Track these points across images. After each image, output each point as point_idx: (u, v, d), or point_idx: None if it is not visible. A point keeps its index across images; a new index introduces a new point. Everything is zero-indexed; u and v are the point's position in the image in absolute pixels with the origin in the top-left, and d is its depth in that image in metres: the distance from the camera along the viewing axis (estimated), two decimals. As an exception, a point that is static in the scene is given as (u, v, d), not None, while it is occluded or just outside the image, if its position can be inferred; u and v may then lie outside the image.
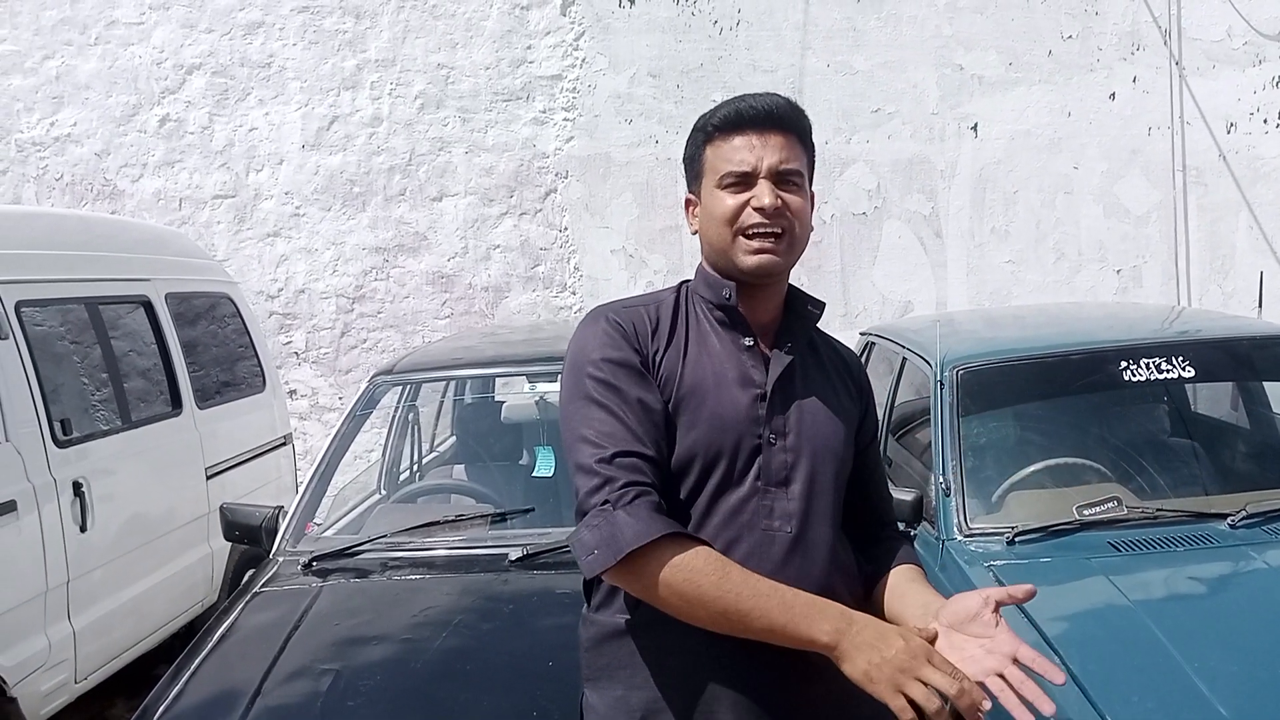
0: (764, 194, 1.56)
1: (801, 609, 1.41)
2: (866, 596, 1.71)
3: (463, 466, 4.42)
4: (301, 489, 3.42)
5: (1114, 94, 7.34)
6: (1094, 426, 3.63)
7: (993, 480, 3.38)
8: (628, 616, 1.58)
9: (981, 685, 1.39)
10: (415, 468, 4.56)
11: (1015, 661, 1.42)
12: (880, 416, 4.40)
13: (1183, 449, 3.65)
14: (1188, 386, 3.81)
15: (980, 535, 3.14)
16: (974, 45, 7.33)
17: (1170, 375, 3.48)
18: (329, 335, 7.33)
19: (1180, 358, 3.51)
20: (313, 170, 7.28)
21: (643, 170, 7.33)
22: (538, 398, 4.30)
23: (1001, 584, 2.82)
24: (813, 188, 1.67)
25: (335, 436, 3.57)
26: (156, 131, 7.20)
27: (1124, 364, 3.50)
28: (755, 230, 1.56)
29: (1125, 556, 2.90)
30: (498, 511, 3.27)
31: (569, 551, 1.59)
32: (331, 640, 2.61)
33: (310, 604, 2.79)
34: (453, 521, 3.17)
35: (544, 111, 7.29)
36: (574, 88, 7.33)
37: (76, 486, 3.74)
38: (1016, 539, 3.04)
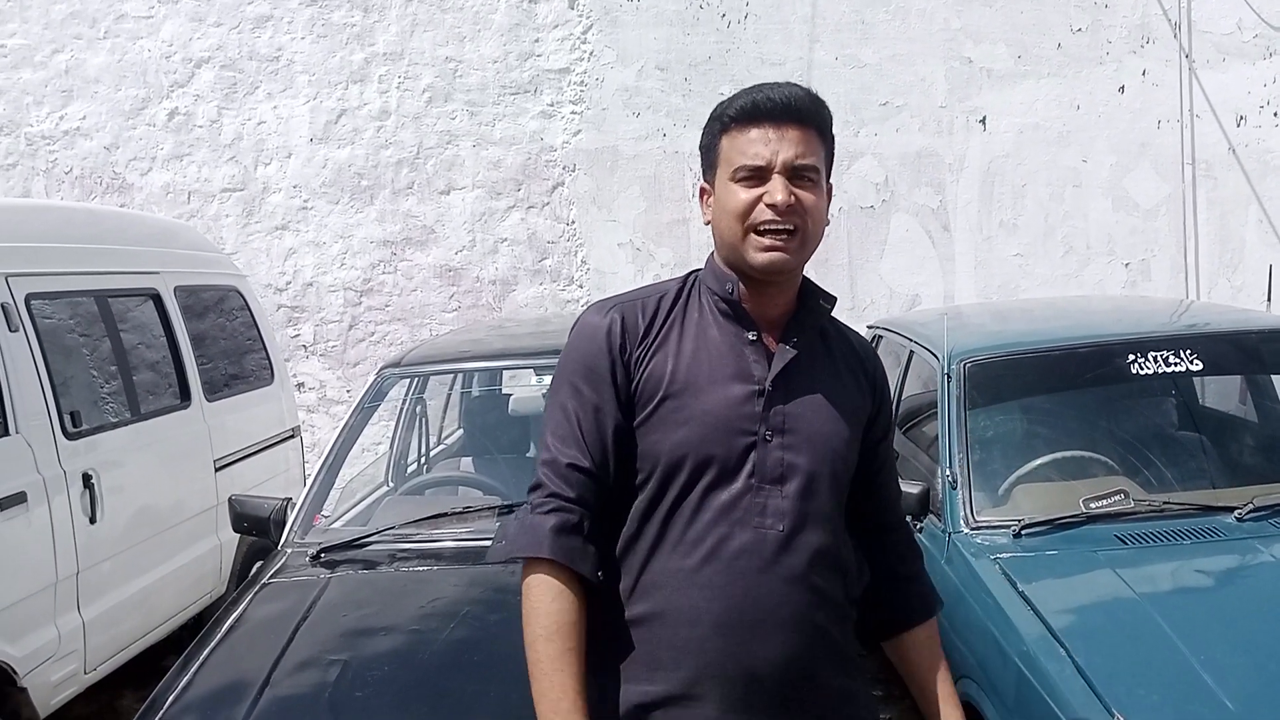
0: (777, 190, 1.53)
1: (546, 703, 1.49)
2: (878, 635, 1.77)
3: (470, 459, 4.43)
4: (310, 481, 3.43)
5: (1123, 87, 7.32)
6: (1101, 420, 3.62)
7: (999, 473, 3.37)
8: (626, 609, 1.59)
9: None
10: (423, 460, 4.57)
11: None
12: (887, 409, 4.40)
13: (1190, 442, 3.64)
14: (1196, 380, 3.80)
15: (987, 528, 3.14)
16: (983, 38, 7.31)
17: (1178, 368, 3.48)
18: (337, 328, 7.35)
19: (1188, 351, 3.50)
20: (321, 164, 7.29)
21: (650, 163, 7.33)
22: (545, 390, 4.31)
23: (1008, 576, 2.83)
24: (830, 180, 1.64)
25: (343, 429, 3.58)
26: (165, 125, 7.22)
27: (1132, 357, 3.50)
28: (767, 227, 1.54)
29: (1132, 549, 2.90)
30: (505, 503, 3.28)
31: None
32: (340, 631, 2.62)
33: (318, 595, 2.80)
34: (460, 513, 3.18)
35: (551, 105, 7.29)
36: (582, 81, 7.33)
37: (86, 478, 3.76)
38: (1023, 532, 3.04)
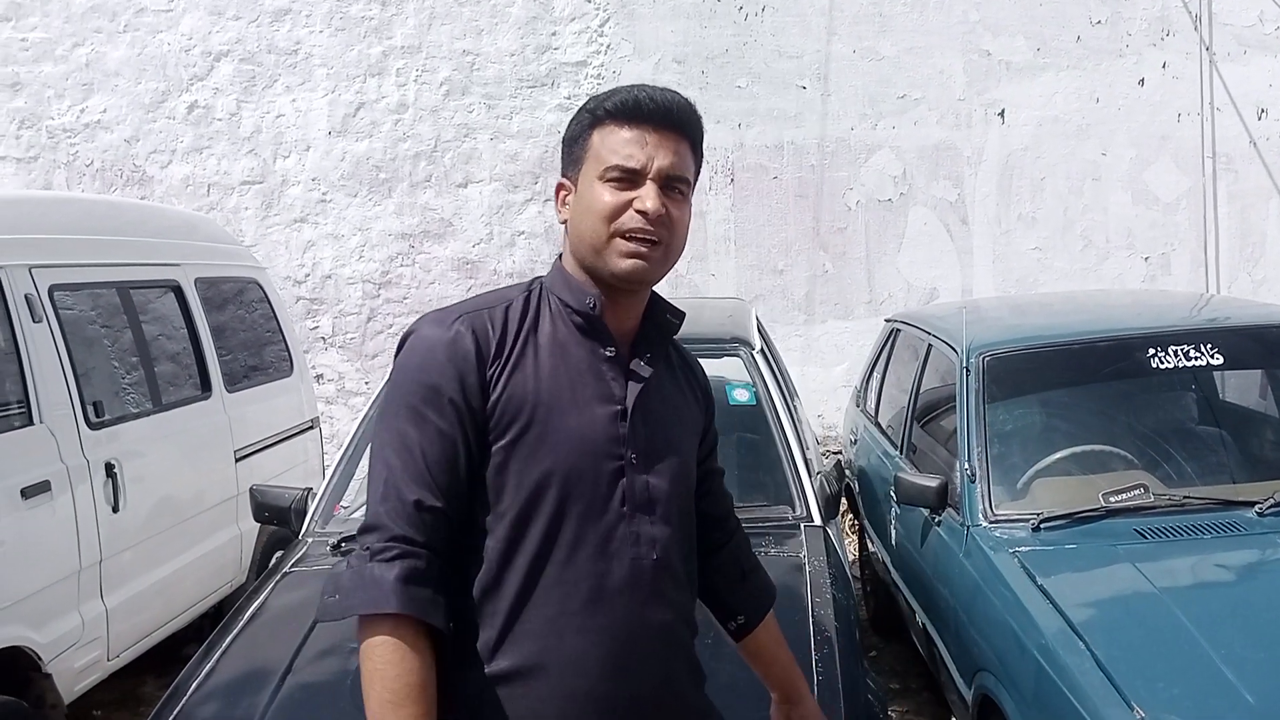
0: (649, 197, 1.42)
1: None
2: (738, 635, 1.78)
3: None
4: (330, 471, 3.45)
5: (1143, 80, 7.28)
6: (1121, 414, 3.61)
7: (1018, 467, 3.37)
8: (489, 665, 1.42)
9: None
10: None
11: None
12: (905, 403, 4.40)
13: (1210, 437, 3.63)
14: (1216, 374, 3.78)
15: (1005, 521, 3.14)
16: (1001, 30, 7.27)
17: (1198, 363, 3.47)
18: (355, 320, 7.38)
19: (1209, 345, 3.49)
20: (339, 156, 7.32)
21: (667, 156, 7.32)
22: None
23: (1027, 570, 2.83)
24: (692, 197, 1.54)
25: (363, 420, 3.60)
26: (185, 118, 7.26)
27: (1151, 351, 3.49)
28: (633, 233, 1.42)
29: (1152, 544, 2.89)
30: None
31: None
32: (360, 620, 2.63)
33: (339, 584, 2.82)
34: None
35: (568, 98, 7.29)
36: (598, 74, 7.33)
37: (109, 468, 3.79)
38: (1042, 525, 3.04)
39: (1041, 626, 2.59)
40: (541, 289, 1.52)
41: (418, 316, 1.52)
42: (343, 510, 3.33)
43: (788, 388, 4.18)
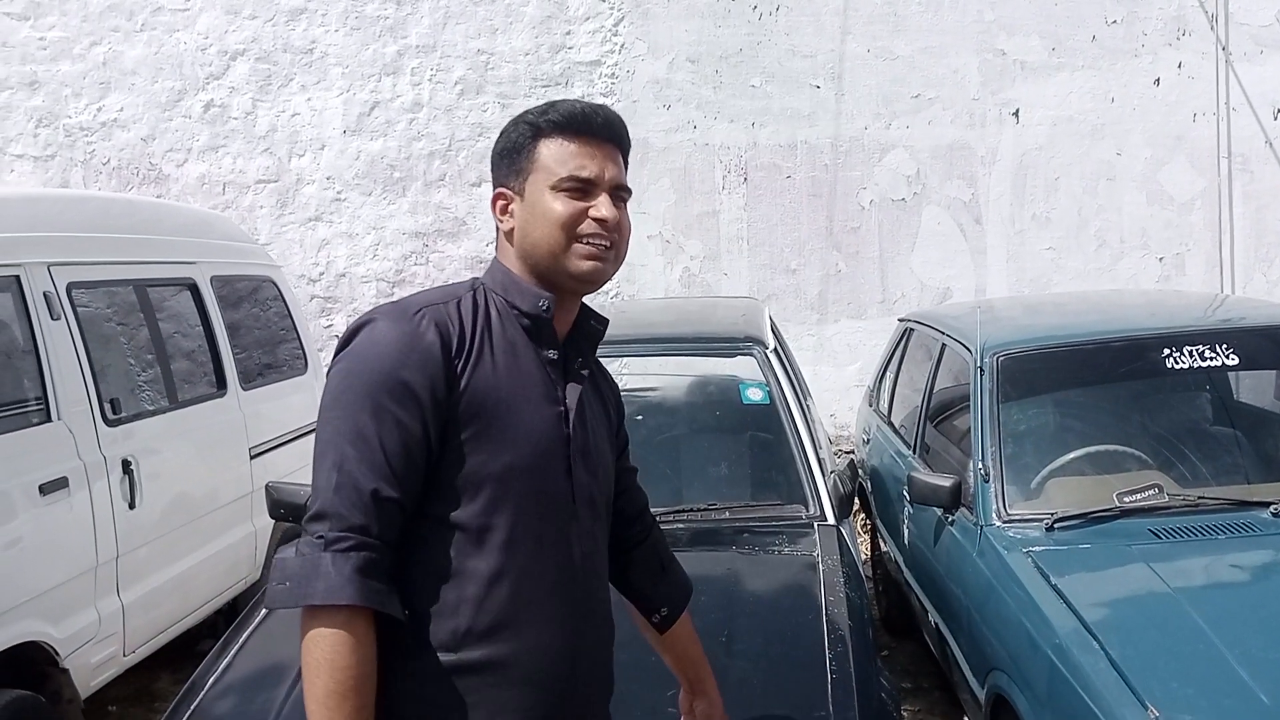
0: (604, 206, 1.51)
1: None
2: (661, 628, 1.84)
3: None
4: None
5: (1159, 79, 7.25)
6: (1135, 414, 3.61)
7: (1032, 466, 3.37)
8: (456, 655, 1.44)
9: None
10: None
11: None
12: (919, 402, 4.40)
13: (1225, 437, 3.62)
14: (1230, 374, 3.77)
15: (1019, 521, 3.14)
16: (1016, 30, 7.26)
17: (1213, 363, 3.46)
18: (369, 319, 7.40)
19: (1224, 345, 3.48)
20: (354, 155, 7.34)
21: (680, 156, 7.33)
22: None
23: (1040, 569, 2.83)
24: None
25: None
26: (201, 117, 7.29)
27: (1166, 351, 3.48)
28: (591, 238, 1.50)
29: (1166, 544, 2.89)
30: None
31: None
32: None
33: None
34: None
35: (583, 97, 7.27)
36: (613, 73, 7.34)
37: (125, 464, 3.81)
38: (1056, 525, 3.04)
39: (1055, 626, 2.59)
40: (485, 289, 1.56)
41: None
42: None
43: (801, 387, 4.18)
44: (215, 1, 7.26)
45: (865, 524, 5.66)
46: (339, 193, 7.36)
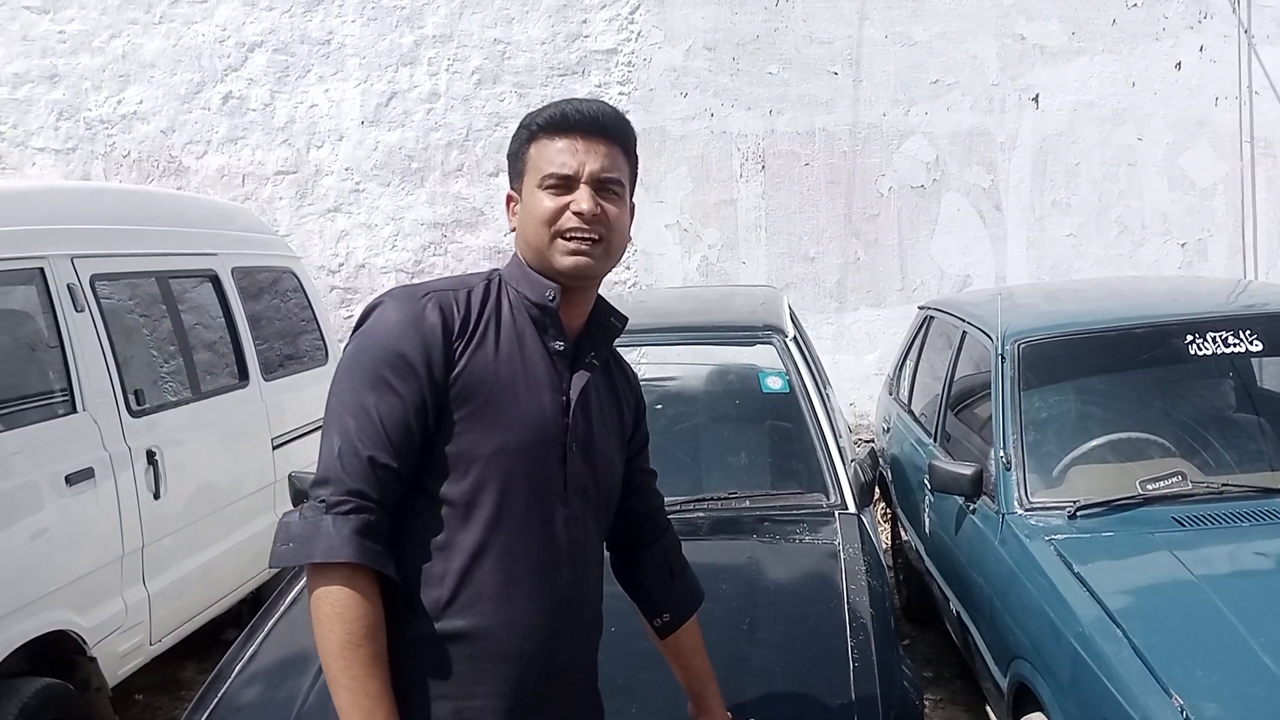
0: (583, 199, 1.54)
1: (359, 712, 1.39)
2: (663, 633, 1.86)
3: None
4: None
5: (1180, 63, 7.19)
6: (1158, 401, 3.59)
7: (1054, 454, 3.36)
8: (438, 622, 1.51)
9: None
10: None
11: None
12: (940, 390, 4.39)
13: (1248, 424, 3.59)
14: (1254, 361, 3.74)
15: (1041, 509, 3.13)
16: (1035, 14, 7.20)
17: (1236, 349, 3.44)
18: (388, 309, 7.42)
19: (1247, 331, 3.46)
20: (372, 146, 7.36)
21: (698, 144, 7.32)
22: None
23: (1063, 558, 2.83)
24: (633, 200, 1.67)
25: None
26: (220, 108, 7.32)
27: (1189, 338, 3.47)
28: (572, 233, 1.55)
29: (1189, 531, 2.88)
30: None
31: None
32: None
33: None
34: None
35: (599, 86, 7.29)
36: (629, 62, 7.33)
37: (150, 455, 3.84)
38: (1078, 513, 3.03)
39: (1078, 614, 2.59)
40: (500, 280, 1.63)
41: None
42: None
43: (820, 376, 4.17)
44: (233, -7, 7.28)
45: (885, 513, 5.65)
46: (357, 184, 7.38)
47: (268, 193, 7.36)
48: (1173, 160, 7.23)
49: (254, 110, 7.33)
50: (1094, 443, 3.35)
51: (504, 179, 6.50)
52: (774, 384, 3.66)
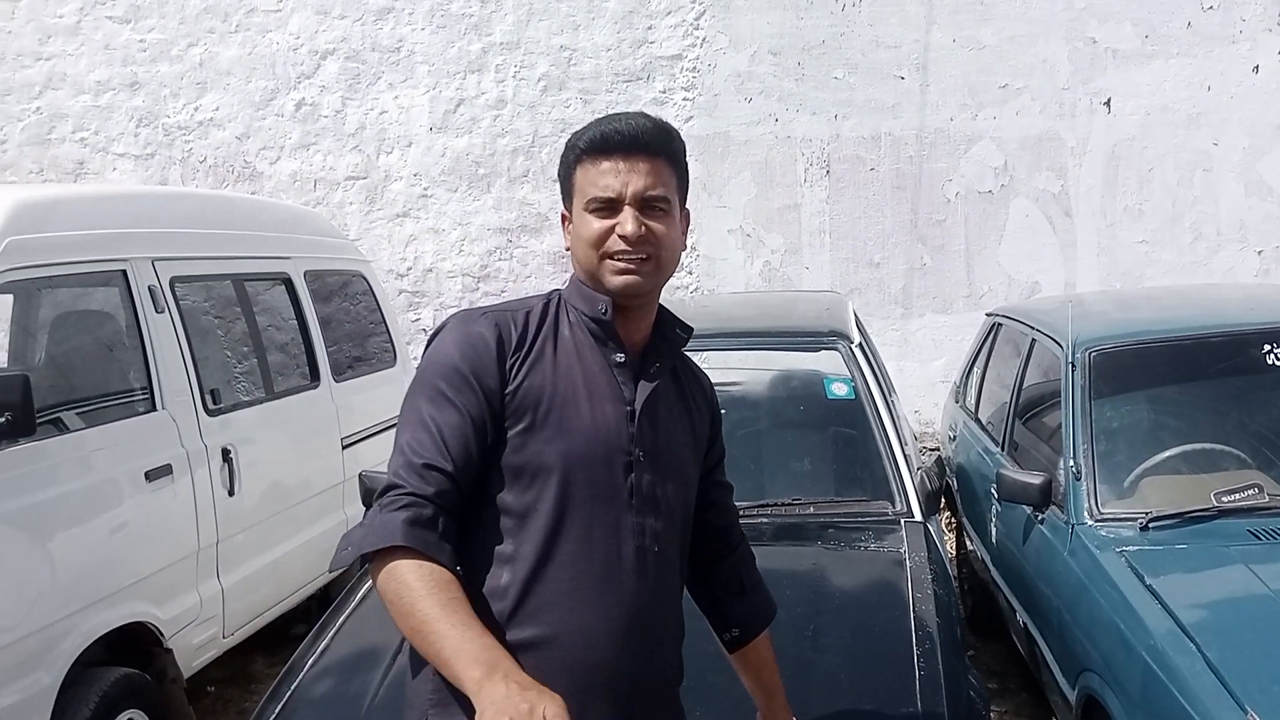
0: (628, 222, 1.55)
1: (470, 650, 1.32)
2: (732, 647, 1.86)
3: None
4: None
5: (1257, 66, 7.02)
6: (1233, 411, 3.52)
7: (1125, 465, 3.31)
8: (506, 633, 1.50)
9: None
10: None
11: None
12: (1008, 398, 4.34)
13: (1329, 436, 3.51)
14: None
15: (1112, 520, 3.09)
16: (1108, 17, 7.09)
17: (1316, 360, 3.36)
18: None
19: (1329, 342, 3.37)
20: (440, 152, 7.46)
21: (762, 149, 7.30)
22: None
23: (1134, 570, 2.78)
24: (686, 207, 1.67)
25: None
26: (293, 115, 7.47)
27: (1266, 347, 3.39)
28: (619, 255, 1.57)
29: (1266, 545, 2.82)
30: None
31: None
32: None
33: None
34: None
35: (664, 91, 7.31)
36: (694, 67, 7.34)
37: (225, 453, 3.94)
38: (1150, 524, 2.98)
39: (1150, 627, 2.55)
40: (560, 300, 1.66)
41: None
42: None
43: (886, 382, 4.15)
44: (306, 2, 7.42)
45: (949, 522, 5.60)
46: (425, 189, 7.48)
47: (338, 198, 7.50)
48: (1250, 165, 7.06)
49: (325, 117, 7.48)
50: (1167, 453, 3.30)
51: (570, 184, 6.48)
52: (839, 390, 3.65)
